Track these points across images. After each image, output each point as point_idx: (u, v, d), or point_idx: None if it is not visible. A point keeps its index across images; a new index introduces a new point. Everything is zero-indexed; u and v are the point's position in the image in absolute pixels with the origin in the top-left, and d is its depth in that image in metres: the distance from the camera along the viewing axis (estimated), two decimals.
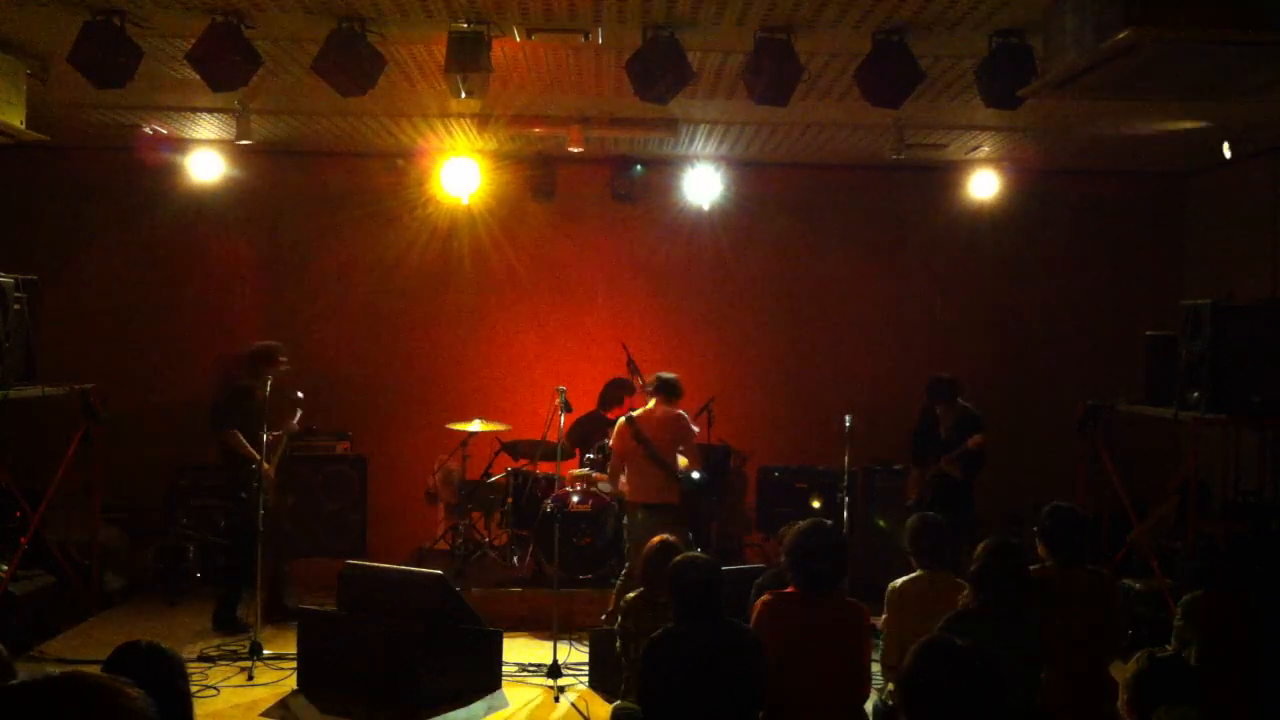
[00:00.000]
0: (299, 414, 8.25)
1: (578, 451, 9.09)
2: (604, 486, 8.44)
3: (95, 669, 3.06)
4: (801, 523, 4.88)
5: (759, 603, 4.76)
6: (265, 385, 7.44)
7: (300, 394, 8.22)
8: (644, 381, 8.84)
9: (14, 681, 1.86)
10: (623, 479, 7.82)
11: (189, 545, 9.00)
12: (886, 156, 8.53)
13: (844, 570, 4.83)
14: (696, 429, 8.00)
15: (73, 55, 5.89)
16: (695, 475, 7.91)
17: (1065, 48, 5.13)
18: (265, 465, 7.65)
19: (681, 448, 7.72)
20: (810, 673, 4.58)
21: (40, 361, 7.72)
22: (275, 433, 7.89)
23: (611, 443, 7.89)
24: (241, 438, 7.76)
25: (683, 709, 4.43)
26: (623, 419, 7.81)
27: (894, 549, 8.86)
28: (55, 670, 1.89)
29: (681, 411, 7.83)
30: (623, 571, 7.72)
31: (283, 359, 8.02)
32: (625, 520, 7.93)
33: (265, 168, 9.95)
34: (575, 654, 7.39)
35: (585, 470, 8.66)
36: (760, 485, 9.75)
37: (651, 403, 7.78)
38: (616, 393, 9.04)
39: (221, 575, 8.48)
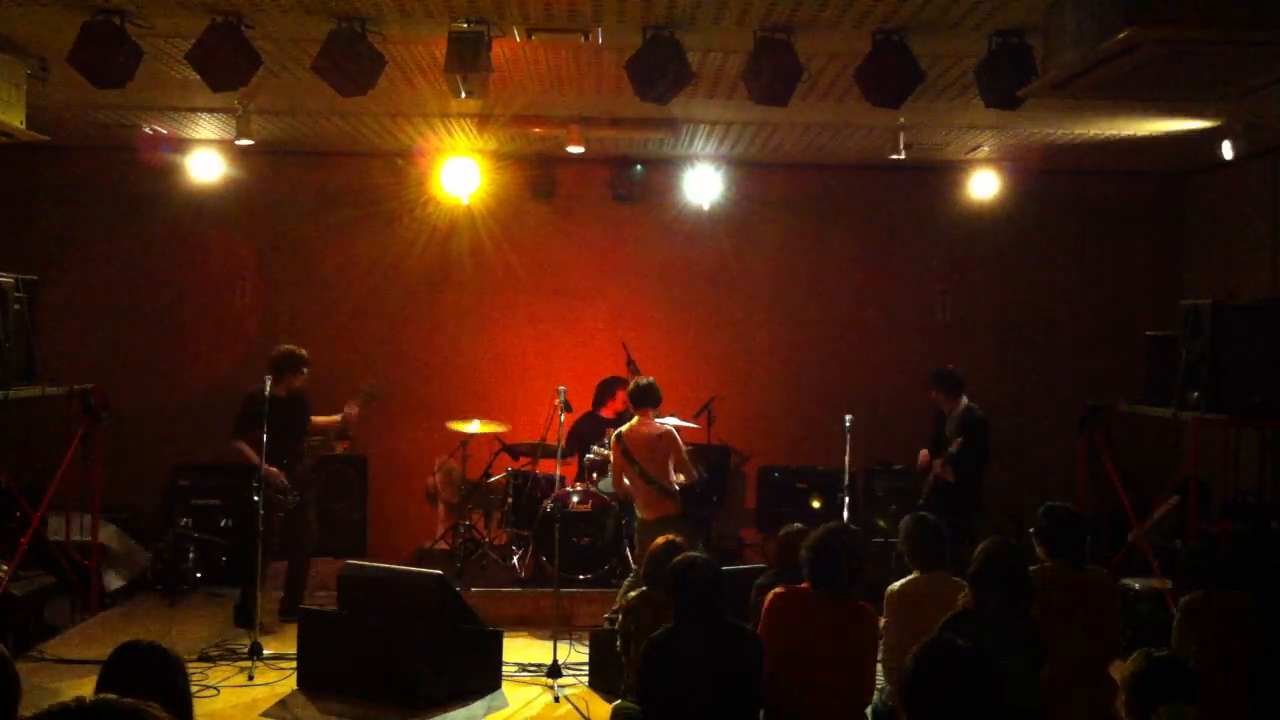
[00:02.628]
0: (362, 403, 8.20)
1: (577, 453, 9.08)
2: (604, 485, 8.42)
3: (95, 669, 3.07)
4: (825, 525, 4.89)
5: (771, 594, 4.76)
6: (285, 390, 7.69)
7: (374, 383, 8.26)
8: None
9: (41, 711, 1.84)
10: (626, 482, 7.77)
11: (189, 545, 9.00)
12: (886, 156, 8.53)
13: (859, 578, 4.83)
14: (683, 441, 7.72)
15: (73, 55, 5.89)
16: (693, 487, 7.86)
17: (1065, 48, 5.13)
18: (274, 470, 7.71)
19: (673, 463, 7.50)
20: (814, 672, 4.59)
21: (40, 361, 7.72)
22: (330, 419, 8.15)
23: (610, 455, 7.84)
24: (247, 448, 7.64)
25: (683, 709, 4.43)
26: (614, 436, 7.70)
27: (894, 549, 8.90)
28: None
29: (668, 425, 7.66)
30: (630, 575, 7.68)
31: (305, 369, 8.00)
32: (637, 527, 7.85)
33: (265, 168, 9.94)
34: (575, 654, 7.37)
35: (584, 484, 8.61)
36: (760, 485, 9.75)
37: (636, 419, 7.60)
38: (610, 390, 9.03)
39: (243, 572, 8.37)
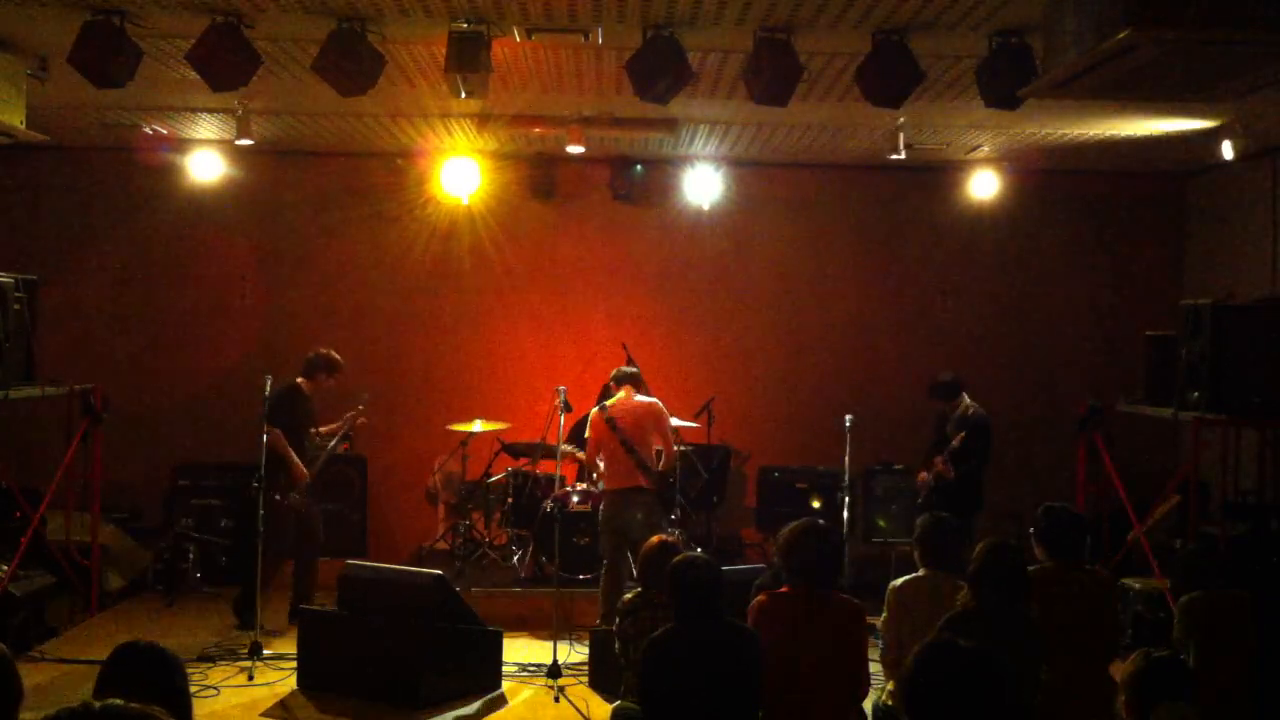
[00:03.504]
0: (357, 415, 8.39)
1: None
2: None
3: (95, 669, 3.07)
4: (795, 523, 4.87)
5: (754, 603, 4.76)
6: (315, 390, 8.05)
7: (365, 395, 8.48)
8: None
9: (47, 715, 1.84)
10: (599, 462, 7.81)
11: (189, 545, 9.00)
12: (886, 156, 8.52)
13: (839, 570, 4.82)
14: (684, 442, 7.94)
15: (73, 55, 5.88)
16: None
17: (1065, 48, 5.13)
18: (305, 472, 7.89)
19: (657, 435, 7.68)
20: (808, 671, 4.58)
21: (40, 361, 7.72)
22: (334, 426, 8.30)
23: (588, 433, 7.84)
24: (285, 442, 7.73)
25: (682, 709, 4.43)
26: (595, 409, 7.78)
27: (894, 549, 8.90)
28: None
29: (656, 399, 7.87)
30: (602, 570, 7.67)
31: (339, 374, 8.25)
32: (603, 504, 7.81)
33: (265, 168, 9.94)
34: (575, 654, 7.38)
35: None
36: (760, 485, 9.76)
37: (622, 393, 7.77)
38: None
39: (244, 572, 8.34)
